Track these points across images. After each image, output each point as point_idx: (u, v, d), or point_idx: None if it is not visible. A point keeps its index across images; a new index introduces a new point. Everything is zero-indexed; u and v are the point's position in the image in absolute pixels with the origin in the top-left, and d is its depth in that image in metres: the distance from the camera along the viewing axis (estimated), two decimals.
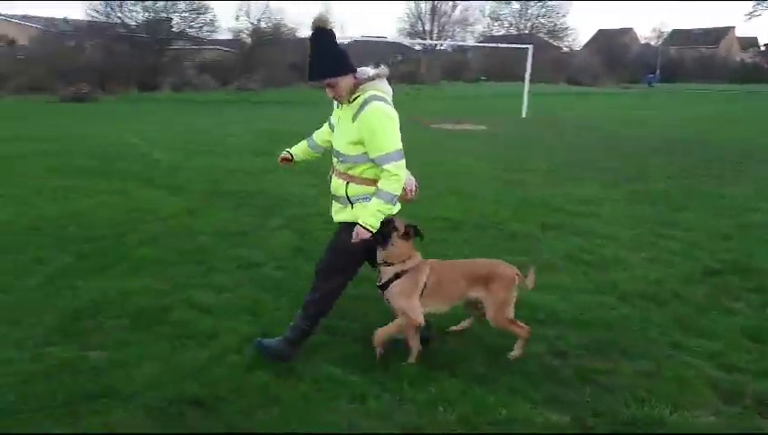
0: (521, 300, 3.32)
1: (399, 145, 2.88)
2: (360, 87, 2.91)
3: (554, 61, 47.88)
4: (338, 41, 2.90)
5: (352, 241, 2.88)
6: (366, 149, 2.87)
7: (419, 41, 49.28)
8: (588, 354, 3.32)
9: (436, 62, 46.56)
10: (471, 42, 50.20)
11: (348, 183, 2.97)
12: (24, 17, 46.46)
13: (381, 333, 3.13)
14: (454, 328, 3.52)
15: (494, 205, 6.89)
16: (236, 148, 11.56)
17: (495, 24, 55.02)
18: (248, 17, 41.40)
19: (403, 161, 2.89)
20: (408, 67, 44.49)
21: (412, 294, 3.07)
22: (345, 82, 2.87)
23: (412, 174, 3.15)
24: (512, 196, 7.43)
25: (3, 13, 47.94)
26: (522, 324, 3.25)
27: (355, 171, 2.95)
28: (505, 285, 3.17)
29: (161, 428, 2.60)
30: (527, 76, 21.23)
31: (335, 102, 3.10)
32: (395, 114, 2.92)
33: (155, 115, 19.15)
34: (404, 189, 3.04)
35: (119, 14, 34.91)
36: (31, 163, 9.34)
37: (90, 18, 35.50)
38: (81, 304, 3.92)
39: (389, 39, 45.61)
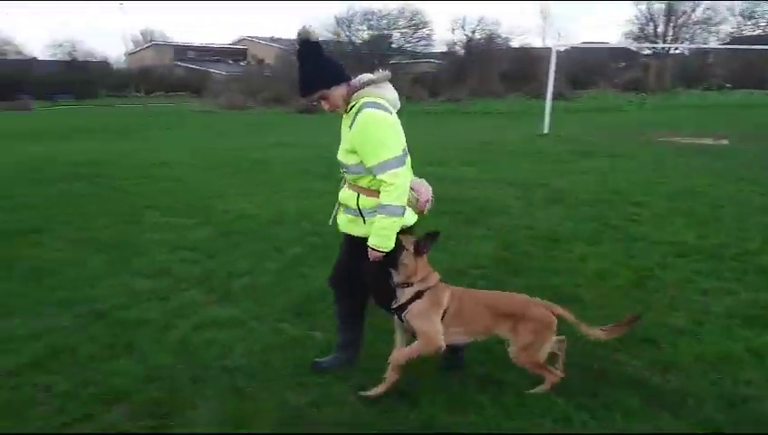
0: None
1: (396, 152, 2.70)
2: (355, 94, 2.79)
3: None
4: (325, 52, 2.82)
5: (369, 260, 2.80)
6: (360, 158, 2.75)
7: (648, 44, 44.61)
8: None
9: (667, 66, 41.69)
10: (714, 44, 43.74)
11: (359, 195, 2.86)
12: (271, 39, 54.67)
13: (399, 357, 2.90)
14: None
15: (738, 232, 5.91)
16: (444, 157, 11.92)
17: (748, 23, 46.89)
18: (463, 29, 42.48)
19: (402, 169, 2.71)
20: (634, 74, 40.77)
21: (433, 316, 2.85)
22: (337, 92, 2.78)
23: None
24: (763, 223, 6.30)
25: (255, 35, 57.05)
26: (553, 370, 2.90)
27: (362, 183, 2.84)
28: (535, 329, 2.83)
29: (369, 408, 2.82)
30: None
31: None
32: (390, 119, 2.77)
33: None
34: (418, 200, 2.90)
35: (347, 34, 38.95)
36: (277, 166, 10.94)
37: (322, 38, 40.32)
38: (310, 290, 4.45)
39: (612, 44, 42.26)
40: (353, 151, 2.76)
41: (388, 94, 2.85)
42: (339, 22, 38.88)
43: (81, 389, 2.98)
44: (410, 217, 2.89)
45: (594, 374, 3.08)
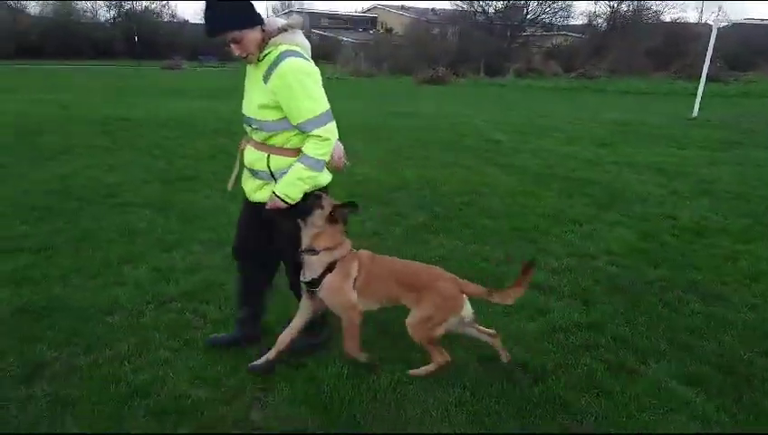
0: None
1: (326, 105, 2.49)
2: (271, 41, 2.49)
3: None
4: None
5: (266, 208, 2.57)
6: (285, 114, 2.48)
7: None
8: None
9: None
10: None
11: (269, 155, 2.58)
12: (402, 8, 54.72)
13: (350, 348, 2.82)
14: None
15: None
16: (575, 135, 11.34)
17: None
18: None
19: (333, 124, 2.50)
20: None
21: (347, 289, 2.72)
22: (252, 35, 2.45)
23: None
24: None
25: (385, 4, 57.40)
26: (444, 353, 2.77)
27: (276, 141, 2.56)
28: (438, 304, 2.69)
29: (490, 376, 2.84)
30: None
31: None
32: (315, 69, 2.51)
33: (499, 98, 20.30)
34: (332, 157, 2.65)
35: (480, 3, 37.86)
36: (400, 134, 11.11)
37: (455, 8, 39.55)
38: (432, 256, 4.51)
39: None
40: (272, 106, 2.49)
41: (302, 42, 2.57)
42: None
43: (231, 319, 3.33)
44: (326, 176, 2.71)
45: (739, 377, 2.85)
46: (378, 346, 3.01)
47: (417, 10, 50.48)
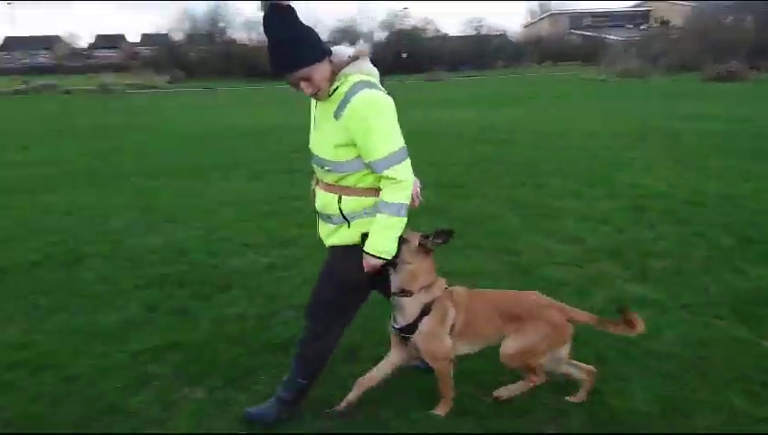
0: None
1: (401, 141, 2.25)
2: (341, 73, 2.24)
3: None
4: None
5: (364, 271, 2.32)
6: (359, 151, 2.23)
7: None
8: None
9: None
10: None
11: (341, 197, 2.34)
12: None
13: (445, 402, 2.52)
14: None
15: None
16: None
17: None
18: None
19: (408, 161, 2.26)
20: None
21: (443, 333, 2.43)
22: (321, 70, 2.20)
23: None
24: None
25: None
26: (538, 377, 2.47)
27: (348, 181, 2.32)
28: (546, 334, 2.37)
29: None
30: None
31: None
32: (390, 102, 2.25)
33: None
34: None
35: None
36: (689, 140, 9.73)
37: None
38: (749, 289, 3.80)
39: None
40: (347, 144, 2.24)
41: (372, 70, 2.32)
42: None
43: None
44: None
45: None
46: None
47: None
